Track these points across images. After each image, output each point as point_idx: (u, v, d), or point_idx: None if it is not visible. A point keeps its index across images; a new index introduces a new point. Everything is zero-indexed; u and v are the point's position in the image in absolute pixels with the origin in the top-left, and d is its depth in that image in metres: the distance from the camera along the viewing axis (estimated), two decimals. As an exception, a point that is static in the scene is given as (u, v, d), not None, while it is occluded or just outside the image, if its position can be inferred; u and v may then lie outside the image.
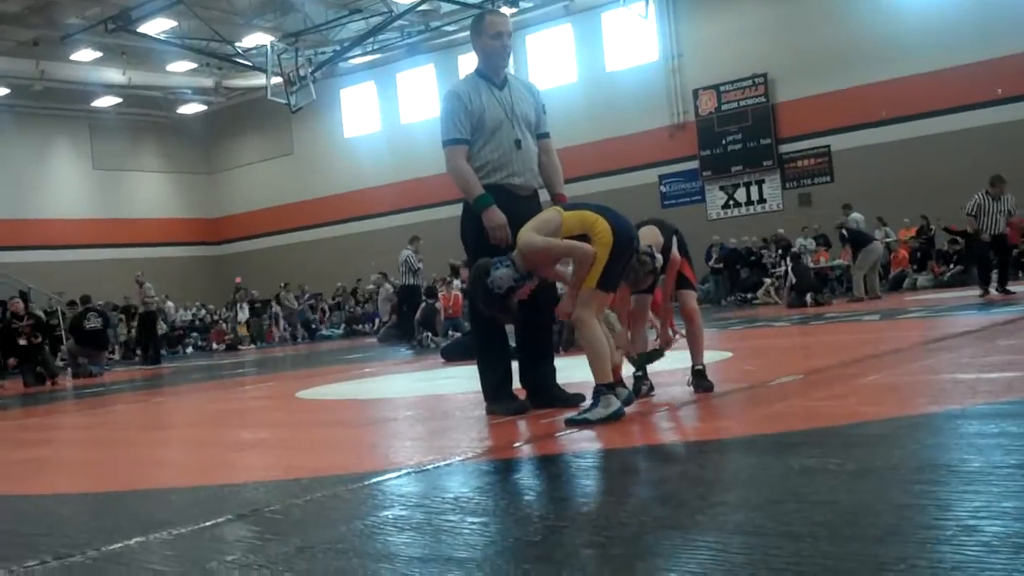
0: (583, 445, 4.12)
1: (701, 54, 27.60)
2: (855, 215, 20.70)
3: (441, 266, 22.29)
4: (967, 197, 14.85)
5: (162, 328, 25.52)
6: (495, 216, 5.12)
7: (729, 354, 7.86)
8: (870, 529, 2.31)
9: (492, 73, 5.42)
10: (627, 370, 5.18)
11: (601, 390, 4.60)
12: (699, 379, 5.40)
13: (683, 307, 5.53)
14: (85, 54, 29.97)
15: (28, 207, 33.94)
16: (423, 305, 17.69)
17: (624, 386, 4.80)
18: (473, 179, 5.20)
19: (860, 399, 4.66)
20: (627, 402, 4.76)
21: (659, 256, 5.10)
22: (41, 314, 18.02)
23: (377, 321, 27.80)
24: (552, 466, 3.87)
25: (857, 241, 17.64)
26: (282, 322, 31.06)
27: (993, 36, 22.65)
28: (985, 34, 22.75)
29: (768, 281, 22.59)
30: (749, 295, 23.30)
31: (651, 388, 5.43)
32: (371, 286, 29.11)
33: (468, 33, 5.69)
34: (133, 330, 27.33)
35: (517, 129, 5.34)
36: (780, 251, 23.92)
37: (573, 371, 7.08)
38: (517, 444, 4.43)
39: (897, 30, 24.04)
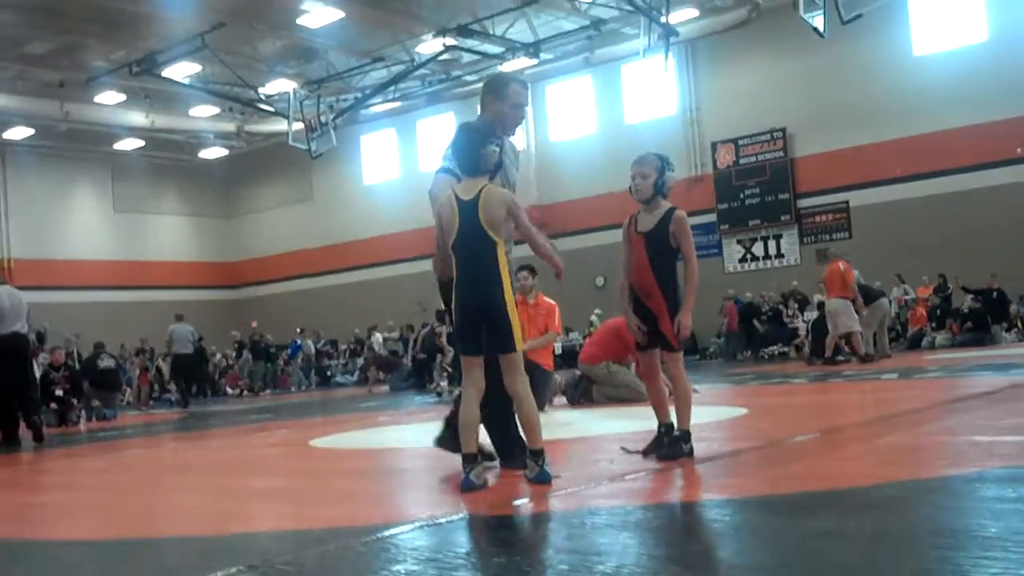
0: (594, 502, 4.08)
1: (720, 107, 27.73)
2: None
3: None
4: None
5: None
6: None
7: (744, 410, 7.80)
8: (886, 597, 2.28)
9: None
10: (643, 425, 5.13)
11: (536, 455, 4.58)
12: (671, 443, 5.05)
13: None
14: (109, 96, 30.32)
15: (49, 248, 34.21)
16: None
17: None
18: None
19: (877, 460, 4.62)
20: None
21: None
22: (75, 363, 18.13)
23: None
24: (562, 522, 3.84)
25: (865, 297, 17.43)
26: (298, 367, 31.11)
27: (1013, 95, 22.67)
28: (1005, 93, 22.76)
29: (797, 340, 22.51)
30: (767, 351, 23.24)
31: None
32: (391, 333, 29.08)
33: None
34: (163, 371, 27.31)
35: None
36: (797, 305, 23.89)
37: (587, 423, 7.06)
38: (522, 501, 4.37)
39: (917, 87, 24.10)
